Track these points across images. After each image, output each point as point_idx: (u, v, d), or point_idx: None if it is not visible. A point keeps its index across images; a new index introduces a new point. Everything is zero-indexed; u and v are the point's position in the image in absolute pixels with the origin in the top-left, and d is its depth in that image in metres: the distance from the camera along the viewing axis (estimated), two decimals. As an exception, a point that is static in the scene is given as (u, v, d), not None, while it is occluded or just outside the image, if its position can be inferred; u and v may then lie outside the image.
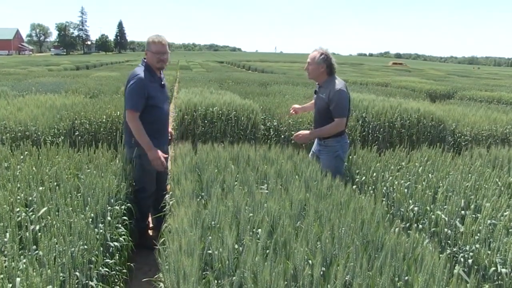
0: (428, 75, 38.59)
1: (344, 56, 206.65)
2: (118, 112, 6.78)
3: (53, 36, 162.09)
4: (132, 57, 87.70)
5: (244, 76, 23.58)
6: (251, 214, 2.61)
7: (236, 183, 3.19)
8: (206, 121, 6.83)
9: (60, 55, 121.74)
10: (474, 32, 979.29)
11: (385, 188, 3.95)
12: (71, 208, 2.80)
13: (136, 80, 4.13)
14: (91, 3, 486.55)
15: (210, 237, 2.33)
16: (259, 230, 2.43)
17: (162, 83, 4.42)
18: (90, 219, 2.79)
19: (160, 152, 4.14)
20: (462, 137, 7.94)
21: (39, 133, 6.57)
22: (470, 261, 2.78)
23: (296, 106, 5.31)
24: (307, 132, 4.69)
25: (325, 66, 4.46)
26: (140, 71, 4.22)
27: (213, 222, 2.57)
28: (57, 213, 2.73)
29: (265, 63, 57.70)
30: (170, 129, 4.79)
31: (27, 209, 2.90)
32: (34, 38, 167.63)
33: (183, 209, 2.56)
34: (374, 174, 4.31)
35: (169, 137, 4.73)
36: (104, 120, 6.60)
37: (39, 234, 2.50)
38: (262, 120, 7.40)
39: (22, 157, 4.08)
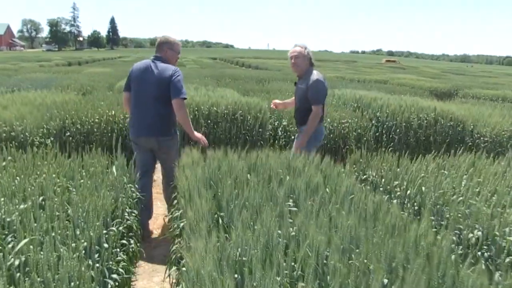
0: (423, 73, 38.21)
1: (337, 54, 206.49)
2: (113, 111, 6.19)
3: (45, 32, 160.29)
4: (124, 53, 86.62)
5: (240, 72, 23.00)
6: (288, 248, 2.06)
7: (260, 200, 2.63)
8: (209, 121, 6.27)
9: (52, 51, 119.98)
10: (466, 30, 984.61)
11: (430, 202, 3.36)
12: (59, 237, 2.24)
13: (179, 71, 4.45)
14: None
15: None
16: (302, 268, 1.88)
17: None
18: (83, 251, 2.22)
19: None
20: (481, 138, 7.43)
21: (26, 133, 5.98)
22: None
23: (277, 101, 5.66)
24: (300, 140, 4.80)
25: (308, 59, 4.85)
26: (173, 66, 4.53)
27: (241, 257, 2.01)
28: (40, 246, 2.15)
29: (259, 60, 57.05)
30: None
31: (4, 235, 2.32)
32: (25, 34, 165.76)
33: (201, 243, 2.00)
34: (409, 183, 3.74)
35: None
36: (97, 120, 6.02)
37: (18, 274, 1.94)
38: (269, 119, 6.86)
39: (4, 163, 3.48)
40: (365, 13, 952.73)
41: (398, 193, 3.67)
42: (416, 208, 3.45)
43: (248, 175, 3.13)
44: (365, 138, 6.75)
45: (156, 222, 5.04)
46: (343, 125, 6.69)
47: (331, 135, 6.53)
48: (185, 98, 4.35)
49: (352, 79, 21.51)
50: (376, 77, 24.53)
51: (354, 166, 4.40)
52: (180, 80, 4.36)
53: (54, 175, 3.17)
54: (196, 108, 6.41)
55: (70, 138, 5.92)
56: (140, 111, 4.50)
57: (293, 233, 2.26)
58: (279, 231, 2.23)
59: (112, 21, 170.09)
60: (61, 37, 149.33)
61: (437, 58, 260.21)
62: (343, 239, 2.15)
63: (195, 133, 4.59)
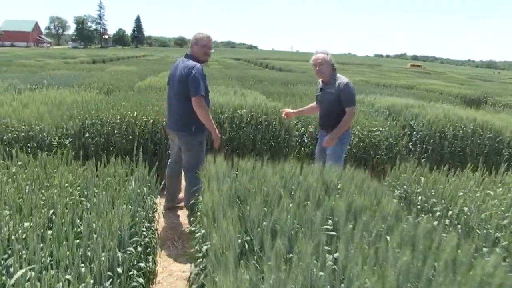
0: (450, 79, 37.40)
1: (361, 57, 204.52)
2: (135, 113, 5.95)
3: (71, 29, 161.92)
4: (148, 52, 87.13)
5: (264, 74, 22.69)
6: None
7: (295, 224, 2.32)
8: (234, 125, 5.98)
9: (77, 48, 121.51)
10: (492, 36, 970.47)
11: (477, 226, 3.01)
12: (64, 263, 1.95)
13: (197, 69, 4.51)
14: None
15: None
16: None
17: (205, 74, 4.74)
18: (92, 282, 1.93)
19: None
20: (520, 150, 7.00)
21: (44, 133, 5.77)
22: None
23: (289, 110, 5.54)
24: (331, 136, 4.89)
25: (331, 64, 4.95)
26: (194, 62, 4.60)
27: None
28: (40, 275, 1.86)
29: (282, 62, 56.70)
30: None
31: (3, 257, 2.05)
32: (52, 31, 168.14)
33: (228, 280, 1.70)
34: (449, 201, 3.38)
35: None
36: (118, 121, 5.77)
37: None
38: (295, 126, 6.55)
39: (14, 169, 3.23)
40: (390, 16, 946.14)
41: (438, 213, 3.31)
42: (460, 231, 3.10)
43: (281, 189, 2.81)
44: (397, 148, 6.37)
45: (176, 232, 4.77)
46: (373, 134, 6.34)
47: (361, 144, 6.18)
48: (202, 96, 4.49)
49: (378, 84, 20.99)
50: (403, 82, 23.95)
51: (394, 181, 4.05)
52: (197, 77, 4.47)
53: (66, 184, 2.90)
54: (219, 111, 6.12)
55: (90, 139, 5.68)
56: (169, 105, 4.89)
57: (335, 267, 1.94)
58: (321, 273, 1.91)
59: (138, 20, 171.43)
60: (86, 34, 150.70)
61: (462, 63, 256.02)
62: (398, 279, 1.82)
63: (216, 131, 4.74)
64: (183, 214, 5.22)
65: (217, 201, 2.52)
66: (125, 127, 5.72)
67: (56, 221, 2.28)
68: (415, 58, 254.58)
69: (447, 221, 3.19)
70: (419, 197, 3.56)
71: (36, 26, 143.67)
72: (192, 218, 3.57)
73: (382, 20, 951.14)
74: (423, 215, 3.33)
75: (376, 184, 3.27)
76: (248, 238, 2.30)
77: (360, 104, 9.34)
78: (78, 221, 2.46)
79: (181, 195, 5.37)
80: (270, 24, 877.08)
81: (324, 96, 5.05)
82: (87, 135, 5.71)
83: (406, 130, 7.00)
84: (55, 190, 2.75)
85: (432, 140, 6.68)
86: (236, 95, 7.49)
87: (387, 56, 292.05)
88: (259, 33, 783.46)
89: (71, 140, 5.86)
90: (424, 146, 6.74)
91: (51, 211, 2.50)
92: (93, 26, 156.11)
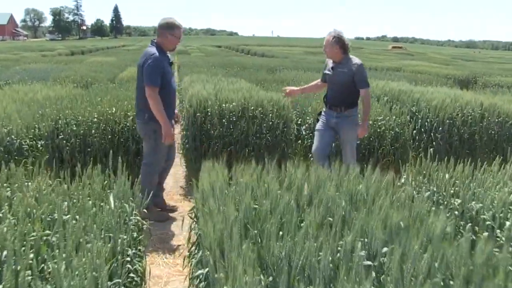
0: (433, 59, 37.15)
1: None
2: (114, 109, 5.34)
3: (48, 21, 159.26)
4: (128, 42, 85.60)
5: (247, 60, 22.05)
6: None
7: (324, 259, 1.77)
8: (224, 120, 5.40)
9: (55, 40, 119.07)
10: (470, 16, 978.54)
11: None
12: None
13: (153, 58, 4.40)
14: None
15: None
16: None
17: (170, 61, 4.70)
18: None
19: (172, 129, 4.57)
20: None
21: (13, 136, 5.13)
22: None
23: (293, 88, 5.55)
24: (362, 125, 4.87)
25: (338, 46, 4.81)
26: (154, 50, 4.48)
27: None
28: None
29: (264, 47, 56.14)
30: (176, 111, 4.99)
31: None
32: (28, 23, 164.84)
33: None
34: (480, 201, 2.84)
35: (176, 118, 4.95)
36: (95, 120, 5.15)
37: None
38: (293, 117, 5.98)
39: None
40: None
41: (488, 222, 2.75)
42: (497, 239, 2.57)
43: (294, 205, 2.25)
44: (403, 138, 5.84)
45: (167, 245, 4.20)
46: (378, 123, 5.80)
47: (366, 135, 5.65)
48: (154, 86, 4.36)
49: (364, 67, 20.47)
50: (388, 64, 23.48)
51: (416, 178, 3.51)
52: (150, 66, 4.37)
53: (25, 214, 2.29)
54: (206, 104, 5.52)
55: (64, 141, 5.06)
56: None
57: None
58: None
59: (116, 10, 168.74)
60: (64, 26, 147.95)
61: (442, 44, 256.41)
62: None
63: (167, 125, 4.45)
64: (173, 221, 4.68)
65: (221, 229, 1.95)
66: (103, 126, 5.11)
67: (4, 271, 1.70)
68: (395, 39, 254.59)
69: (498, 231, 2.65)
70: (456, 201, 3.00)
71: (11, 18, 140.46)
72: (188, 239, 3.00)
73: (361, 2, 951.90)
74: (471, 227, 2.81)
75: (408, 189, 2.73)
76: (270, 279, 1.74)
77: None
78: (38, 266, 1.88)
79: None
80: (249, 10, 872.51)
81: (336, 76, 4.94)
82: (61, 136, 5.09)
83: (410, 117, 6.46)
84: (13, 220, 2.16)
85: (440, 128, 6.15)
86: (223, 83, 6.86)
87: (368, 39, 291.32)
88: (239, 20, 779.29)
89: (43, 142, 5.24)
90: (435, 135, 6.20)
91: (4, 252, 1.91)
92: (70, 17, 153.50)
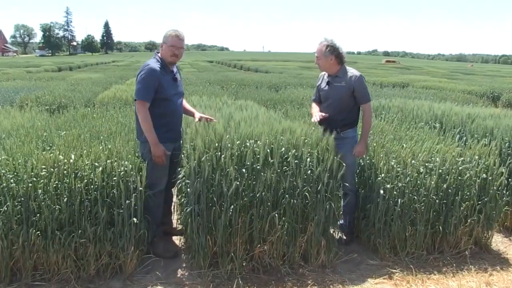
0: (432, 73, 35.86)
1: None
2: (73, 156, 3.55)
3: (38, 37, 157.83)
4: (119, 57, 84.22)
5: (244, 76, 20.20)
6: None
7: None
8: (244, 169, 3.60)
9: (45, 56, 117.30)
10: (460, 30, 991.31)
11: None
12: None
13: (147, 70, 4.01)
14: (76, 3, 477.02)
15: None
16: None
17: (175, 76, 4.24)
18: None
19: (163, 150, 4.00)
20: None
21: None
22: None
23: (322, 113, 4.40)
24: (360, 143, 4.30)
25: (333, 57, 4.26)
26: (151, 62, 4.11)
27: None
28: None
29: (257, 62, 55.01)
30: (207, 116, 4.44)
31: None
32: (18, 39, 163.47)
33: None
34: None
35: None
36: (45, 173, 3.35)
37: None
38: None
39: None
40: (359, 13, 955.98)
41: None
42: None
43: None
44: (493, 188, 4.08)
45: None
46: (459, 167, 4.03)
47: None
48: (142, 101, 3.95)
49: (367, 82, 18.79)
50: (393, 79, 21.73)
51: None
52: (141, 80, 3.99)
53: None
54: (219, 145, 3.75)
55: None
56: None
57: None
58: None
59: (106, 25, 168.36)
60: (54, 42, 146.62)
61: (432, 57, 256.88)
62: None
63: (156, 146, 3.96)
64: None
65: None
66: (56, 182, 3.31)
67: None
68: (386, 54, 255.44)
69: None
70: None
71: (1, 34, 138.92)
72: None
73: (352, 17, 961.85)
74: None
75: None
76: None
77: (385, 111, 7.08)
78: None
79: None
80: (240, 25, 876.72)
81: (333, 90, 4.37)
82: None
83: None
84: None
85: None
86: (229, 109, 5.09)
87: (359, 53, 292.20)
88: (230, 35, 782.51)
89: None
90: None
91: None
92: (61, 33, 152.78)
